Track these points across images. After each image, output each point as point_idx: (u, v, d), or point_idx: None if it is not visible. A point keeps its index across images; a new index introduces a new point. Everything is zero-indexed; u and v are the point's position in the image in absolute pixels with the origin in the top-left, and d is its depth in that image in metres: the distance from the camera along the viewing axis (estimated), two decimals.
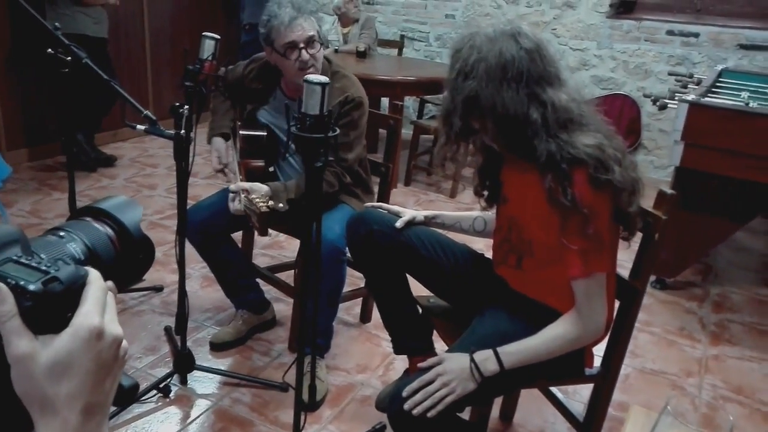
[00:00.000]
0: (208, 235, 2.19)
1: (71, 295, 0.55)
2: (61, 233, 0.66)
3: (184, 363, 2.10)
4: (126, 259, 0.71)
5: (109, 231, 0.70)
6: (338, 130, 1.35)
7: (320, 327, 2.08)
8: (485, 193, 1.65)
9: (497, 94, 1.34)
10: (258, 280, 2.45)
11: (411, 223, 1.71)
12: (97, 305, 0.55)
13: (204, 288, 2.75)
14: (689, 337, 2.64)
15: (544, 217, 1.41)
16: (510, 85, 1.33)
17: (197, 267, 2.83)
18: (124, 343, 0.58)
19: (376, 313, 2.56)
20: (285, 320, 2.53)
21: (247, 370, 2.23)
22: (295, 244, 3.09)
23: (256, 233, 2.64)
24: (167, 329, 2.38)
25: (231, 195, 1.95)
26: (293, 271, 2.75)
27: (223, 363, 2.27)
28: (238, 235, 2.41)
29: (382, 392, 2.01)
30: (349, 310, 2.58)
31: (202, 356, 2.28)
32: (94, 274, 0.58)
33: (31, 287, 0.52)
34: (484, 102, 1.35)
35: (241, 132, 2.19)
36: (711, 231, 2.81)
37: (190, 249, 2.09)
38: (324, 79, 1.31)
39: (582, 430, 1.76)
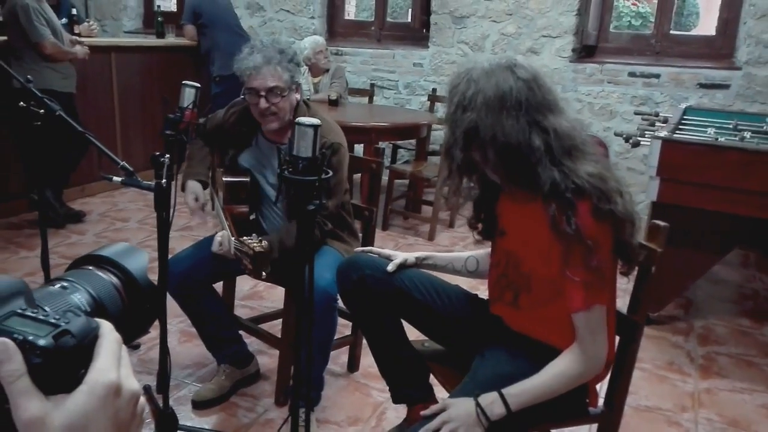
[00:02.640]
0: (189, 287, 2.12)
1: (84, 349, 0.50)
2: (64, 284, 0.61)
3: (167, 423, 1.99)
4: (133, 309, 0.66)
5: (114, 280, 0.66)
6: (330, 173, 1.32)
7: (312, 378, 2.00)
8: (479, 225, 1.63)
9: (497, 124, 1.33)
10: (240, 332, 2.37)
11: (403, 266, 1.67)
12: (113, 359, 0.51)
13: (183, 343, 2.64)
14: (679, 371, 2.63)
15: (545, 248, 1.39)
16: (510, 114, 1.33)
17: (175, 321, 2.73)
18: (142, 399, 0.53)
19: (364, 362, 2.49)
20: (270, 373, 2.44)
21: (233, 428, 2.13)
22: (275, 293, 3.02)
23: (240, 284, 2.58)
24: (147, 388, 2.26)
25: (218, 239, 1.88)
26: (277, 321, 2.68)
27: (207, 422, 2.16)
28: (218, 287, 2.34)
29: None
30: (336, 359, 2.50)
31: (185, 415, 2.17)
32: (106, 326, 0.53)
33: (41, 342, 0.47)
34: (484, 133, 1.35)
35: (224, 179, 2.15)
36: (692, 264, 2.84)
37: (168, 303, 2.01)
38: (316, 121, 1.29)
39: None
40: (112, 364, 0.50)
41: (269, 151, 2.15)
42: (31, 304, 0.52)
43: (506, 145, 1.34)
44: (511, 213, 1.54)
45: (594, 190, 1.33)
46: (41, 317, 0.49)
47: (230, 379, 2.32)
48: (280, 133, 2.11)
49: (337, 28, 5.66)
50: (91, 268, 0.66)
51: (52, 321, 0.49)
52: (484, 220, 1.61)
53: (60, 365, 0.48)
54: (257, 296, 3.12)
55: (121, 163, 1.98)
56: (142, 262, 0.70)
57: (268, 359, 2.52)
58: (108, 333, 0.52)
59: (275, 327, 2.67)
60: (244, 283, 2.94)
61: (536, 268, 1.45)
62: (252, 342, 2.48)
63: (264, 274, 1.83)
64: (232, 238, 1.79)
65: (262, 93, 2.03)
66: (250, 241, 1.70)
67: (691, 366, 2.68)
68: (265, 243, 1.69)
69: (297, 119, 1.30)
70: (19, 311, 0.50)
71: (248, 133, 2.20)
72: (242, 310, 2.93)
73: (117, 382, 0.49)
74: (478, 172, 1.51)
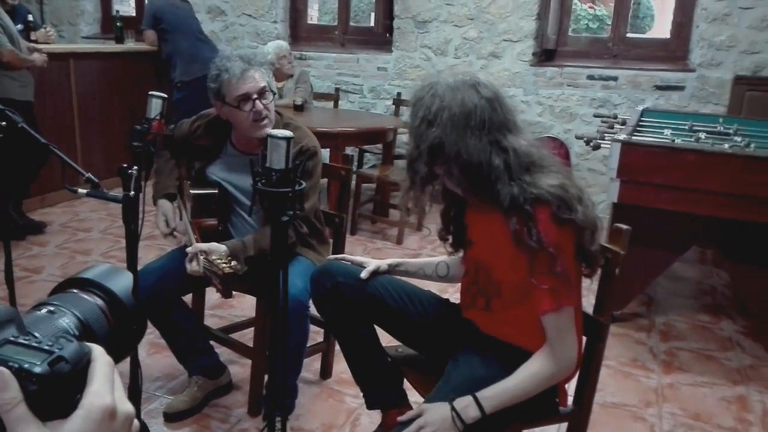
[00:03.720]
0: (159, 300, 2.10)
1: (78, 374, 0.51)
2: (50, 308, 0.61)
3: None
4: (119, 330, 0.66)
5: (100, 302, 0.66)
6: (303, 184, 1.34)
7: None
8: (449, 237, 1.66)
9: (461, 142, 1.37)
10: (212, 342, 2.36)
11: (375, 273, 1.69)
12: (107, 383, 0.52)
13: (152, 355, 2.61)
14: (643, 367, 2.71)
15: (511, 257, 1.43)
16: (474, 133, 1.37)
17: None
18: (135, 421, 0.54)
19: (336, 368, 2.50)
20: (242, 383, 2.43)
21: None
22: (244, 301, 3.00)
23: (209, 294, 2.55)
24: None
25: (188, 257, 1.87)
26: (247, 330, 2.67)
27: None
28: (187, 298, 2.32)
29: None
30: (308, 367, 2.50)
31: (157, 428, 2.14)
32: (98, 350, 0.54)
33: (37, 369, 0.48)
34: (449, 149, 1.38)
35: (191, 191, 2.13)
36: (652, 263, 2.93)
37: None
38: (288, 133, 1.30)
39: None
40: (107, 387, 0.51)
41: (240, 162, 2.13)
42: (22, 331, 0.53)
43: (468, 163, 1.38)
44: (478, 223, 1.57)
45: (554, 198, 1.37)
46: (35, 344, 0.50)
47: (203, 391, 2.30)
48: (251, 143, 2.11)
49: (300, 32, 5.65)
50: (75, 291, 0.66)
51: (46, 347, 0.50)
52: (453, 232, 1.65)
53: (56, 391, 0.49)
54: (226, 305, 3.10)
55: (87, 175, 1.95)
56: (126, 282, 0.70)
57: (239, 369, 2.51)
58: (100, 357, 0.53)
59: (246, 336, 2.66)
60: (213, 293, 2.91)
61: (505, 275, 1.49)
62: (223, 352, 2.46)
63: (233, 294, 1.82)
64: (201, 257, 1.77)
65: (255, 96, 1.99)
66: (219, 261, 1.68)
67: (654, 362, 2.76)
68: (234, 263, 1.68)
69: (269, 131, 1.31)
70: (12, 339, 0.50)
71: (216, 145, 2.18)
72: (212, 319, 2.91)
73: (112, 405, 0.50)
74: (440, 183, 1.54)
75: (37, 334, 0.54)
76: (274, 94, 2.06)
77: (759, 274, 2.80)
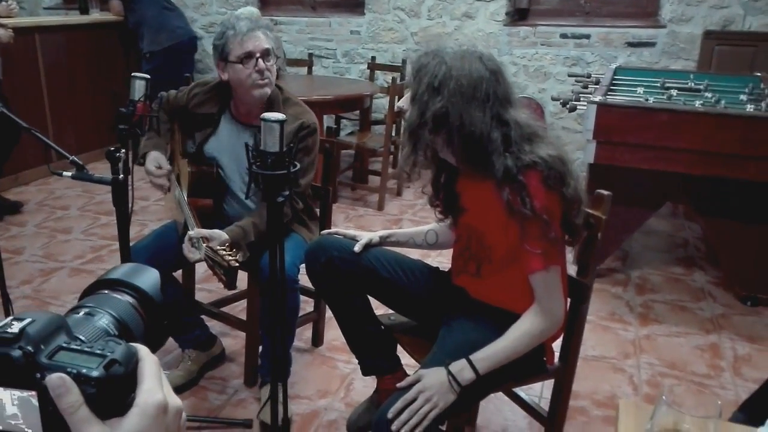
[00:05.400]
0: None
1: (130, 374, 0.55)
2: (87, 310, 0.65)
3: None
4: (151, 325, 0.70)
5: (131, 299, 0.70)
6: (298, 165, 1.36)
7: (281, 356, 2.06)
8: (439, 204, 1.71)
9: (466, 113, 1.40)
10: (202, 316, 2.40)
11: (368, 246, 1.74)
12: (156, 380, 0.56)
13: None
14: (620, 320, 2.83)
15: (503, 223, 1.48)
16: (479, 105, 1.40)
17: None
18: (184, 413, 0.59)
19: (327, 336, 2.57)
20: (235, 355, 2.49)
21: (205, 411, 2.18)
22: None
23: (198, 267, 2.58)
24: None
25: (188, 243, 1.85)
26: (237, 303, 2.71)
27: None
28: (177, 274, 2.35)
29: (351, 415, 2.02)
30: (300, 336, 2.56)
31: None
32: (143, 350, 0.58)
33: (94, 374, 0.52)
34: (453, 119, 1.41)
35: (189, 169, 2.12)
36: (628, 220, 3.03)
37: None
38: (281, 116, 1.32)
39: (547, 423, 1.85)
40: (157, 384, 0.55)
41: (237, 134, 2.10)
42: (70, 336, 0.57)
43: (470, 133, 1.42)
44: (470, 190, 1.61)
45: (545, 165, 1.41)
46: (87, 349, 0.54)
47: (197, 363, 2.35)
48: (251, 112, 2.08)
49: None
50: (106, 291, 0.70)
51: (98, 352, 0.54)
52: (443, 199, 1.69)
53: (112, 392, 0.53)
54: (214, 278, 3.12)
55: (71, 158, 1.94)
56: (153, 278, 0.74)
57: (231, 341, 2.56)
58: (146, 356, 0.57)
59: (236, 308, 2.71)
60: (200, 266, 2.94)
61: (498, 240, 1.54)
62: (215, 325, 2.51)
63: (236, 286, 1.82)
64: (204, 245, 1.75)
65: (258, 54, 1.98)
66: (223, 252, 1.66)
67: (631, 315, 2.88)
68: (240, 255, 1.67)
69: (262, 115, 1.33)
70: (65, 345, 0.54)
71: (214, 116, 2.14)
72: (200, 293, 2.94)
73: (164, 401, 0.55)
74: (436, 151, 1.57)
75: (82, 337, 0.58)
76: (278, 57, 2.05)
77: (730, 226, 2.91)
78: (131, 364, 0.55)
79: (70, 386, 0.50)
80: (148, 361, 0.56)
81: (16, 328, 0.52)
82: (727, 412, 1.57)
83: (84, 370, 0.51)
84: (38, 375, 0.51)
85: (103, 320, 0.64)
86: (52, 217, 3.93)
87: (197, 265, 2.57)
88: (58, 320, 0.56)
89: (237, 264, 1.65)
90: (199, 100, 2.16)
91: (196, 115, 2.16)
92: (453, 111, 1.41)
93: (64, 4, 5.93)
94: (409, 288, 1.73)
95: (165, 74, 4.33)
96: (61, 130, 4.70)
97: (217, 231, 1.87)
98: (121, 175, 1.78)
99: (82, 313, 0.64)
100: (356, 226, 3.86)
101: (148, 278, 0.74)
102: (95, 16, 5.13)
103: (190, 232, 1.84)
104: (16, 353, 0.51)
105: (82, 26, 4.92)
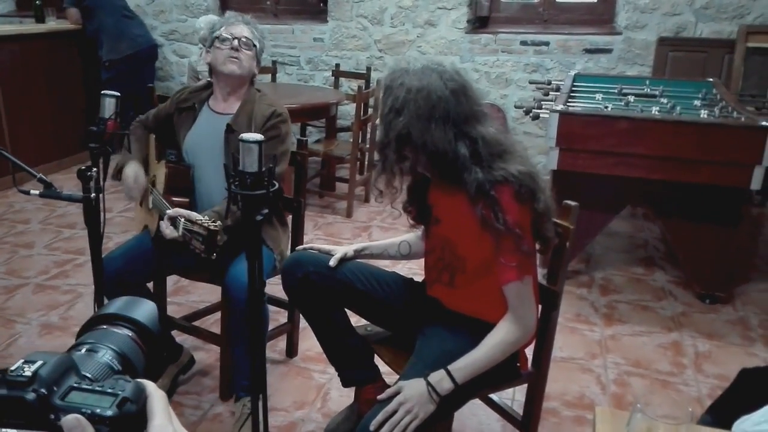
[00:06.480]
0: (125, 286, 2.09)
1: (141, 411, 0.56)
2: (88, 347, 0.66)
3: None
4: (151, 356, 0.72)
5: (130, 333, 0.71)
6: (277, 185, 1.38)
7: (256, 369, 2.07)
8: (412, 210, 1.75)
9: (426, 132, 1.45)
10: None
11: (343, 260, 1.77)
12: (166, 415, 0.58)
13: None
14: (586, 321, 2.91)
15: (477, 236, 1.53)
16: (438, 124, 1.45)
17: None
18: None
19: (301, 346, 2.58)
20: (209, 369, 2.48)
21: None
22: (200, 286, 3.01)
23: (168, 281, 2.55)
24: None
25: (166, 222, 1.83)
26: (209, 317, 2.70)
27: None
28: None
29: (330, 424, 2.03)
30: (274, 347, 2.57)
31: None
32: (151, 386, 0.60)
33: (108, 413, 0.53)
34: (416, 138, 1.46)
35: (167, 166, 2.14)
36: (591, 223, 3.11)
37: (87, 310, 1.98)
38: (259, 137, 1.34)
39: (522, 426, 1.90)
40: (167, 420, 0.57)
41: (215, 124, 2.18)
42: (79, 375, 0.58)
43: (434, 151, 1.47)
44: (444, 202, 1.66)
45: (516, 180, 1.47)
46: (98, 388, 0.55)
47: (168, 376, 2.33)
48: (226, 102, 2.21)
49: (230, 4, 5.51)
50: (105, 327, 0.71)
51: (109, 391, 0.55)
52: (417, 207, 1.73)
53: (126, 430, 0.54)
54: (183, 291, 3.11)
55: (38, 176, 1.92)
56: (150, 311, 0.76)
57: (204, 354, 2.55)
58: (154, 392, 0.59)
59: (207, 322, 2.70)
60: (168, 280, 2.92)
61: (471, 252, 1.59)
62: (186, 339, 2.50)
63: (215, 255, 1.82)
64: (181, 219, 1.76)
65: (236, 37, 2.15)
66: (201, 220, 1.68)
67: (596, 315, 2.97)
68: (218, 223, 1.69)
69: (241, 135, 1.34)
70: (76, 385, 0.55)
71: (194, 108, 2.25)
72: (170, 307, 2.91)
73: None
74: (410, 166, 1.61)
75: (90, 375, 0.60)
76: (255, 47, 2.21)
77: (688, 227, 3.03)
78: (141, 400, 0.57)
79: (86, 427, 0.52)
80: (157, 396, 0.58)
81: (28, 371, 0.53)
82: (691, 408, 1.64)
83: (98, 410, 0.53)
84: (52, 416, 0.53)
85: (106, 356, 0.65)
86: (12, 231, 3.84)
87: (168, 279, 2.56)
88: (67, 360, 0.57)
89: (216, 228, 1.65)
90: (185, 97, 2.28)
91: (180, 114, 2.25)
92: (414, 131, 1.47)
93: (18, 11, 5.79)
94: (385, 300, 1.76)
95: (125, 83, 4.29)
96: (18, 144, 4.57)
97: (192, 212, 1.86)
98: (93, 194, 1.77)
99: (84, 350, 0.66)
100: (325, 234, 3.87)
101: (145, 310, 0.75)
102: (51, 24, 5.01)
103: (168, 212, 1.85)
104: (30, 396, 0.52)
105: (39, 35, 4.80)
